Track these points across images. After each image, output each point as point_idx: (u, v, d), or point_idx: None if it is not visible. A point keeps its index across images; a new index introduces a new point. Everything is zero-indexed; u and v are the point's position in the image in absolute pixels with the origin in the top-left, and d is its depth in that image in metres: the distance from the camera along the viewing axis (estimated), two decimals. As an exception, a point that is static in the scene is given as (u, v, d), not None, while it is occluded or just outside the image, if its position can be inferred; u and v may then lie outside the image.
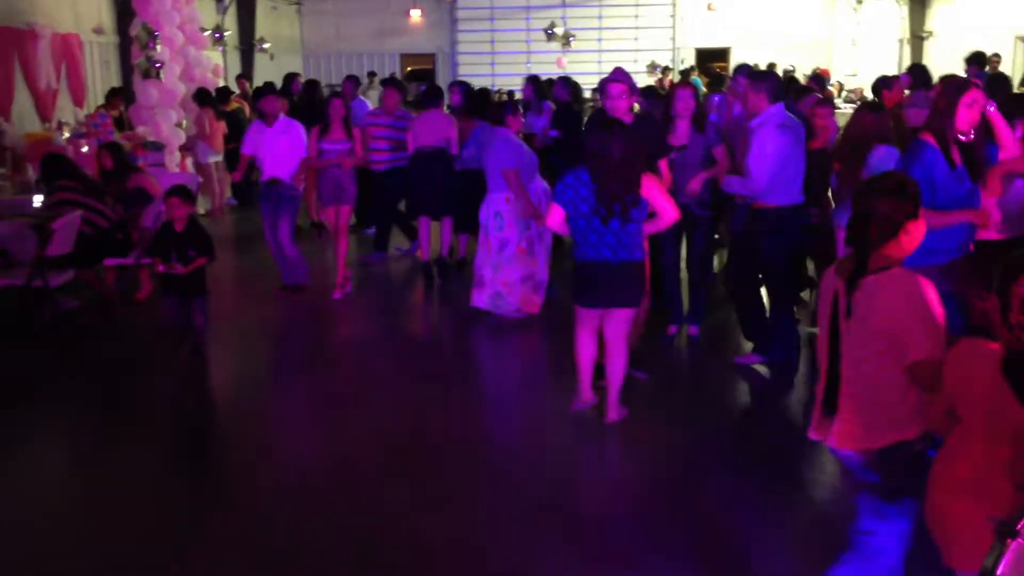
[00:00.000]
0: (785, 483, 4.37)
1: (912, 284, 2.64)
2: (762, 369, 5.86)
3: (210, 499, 4.37)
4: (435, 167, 8.15)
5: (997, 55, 14.16)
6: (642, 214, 4.69)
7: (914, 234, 2.72)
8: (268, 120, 7.71)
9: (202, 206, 11.32)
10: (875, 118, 5.43)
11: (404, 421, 5.21)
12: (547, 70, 22.91)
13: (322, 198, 7.85)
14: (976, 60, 8.98)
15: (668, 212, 4.71)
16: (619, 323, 4.86)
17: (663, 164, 5.61)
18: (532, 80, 10.52)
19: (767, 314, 5.94)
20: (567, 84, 9.61)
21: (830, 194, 6.19)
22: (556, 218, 4.80)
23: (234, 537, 3.94)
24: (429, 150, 8.16)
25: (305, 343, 6.94)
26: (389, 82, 9.35)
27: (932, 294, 2.64)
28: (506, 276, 6.89)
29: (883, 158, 5.12)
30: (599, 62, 24.08)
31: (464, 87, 9.24)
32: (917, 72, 8.83)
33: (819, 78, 11.95)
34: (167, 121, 11.26)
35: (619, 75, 5.32)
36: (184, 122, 11.51)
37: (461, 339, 7.01)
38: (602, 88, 5.72)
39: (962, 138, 4.11)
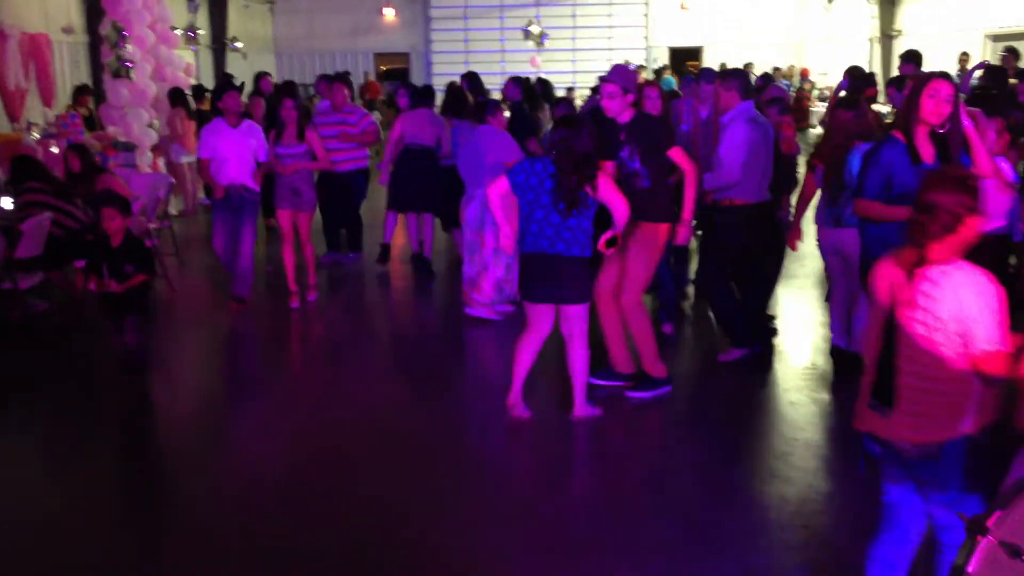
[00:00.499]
0: (763, 479, 4.41)
1: (979, 276, 2.66)
2: (743, 363, 5.92)
3: (180, 498, 4.33)
4: (423, 165, 8.24)
5: (966, 53, 14.34)
6: (588, 211, 4.72)
7: (972, 227, 2.74)
8: (230, 120, 7.24)
9: (175, 207, 11.22)
10: (853, 115, 5.45)
11: (389, 422, 5.19)
12: (521, 69, 22.98)
13: (278, 202, 7.34)
14: (911, 58, 9.18)
15: (619, 209, 4.72)
16: (571, 321, 4.89)
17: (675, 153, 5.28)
18: (516, 80, 10.40)
19: (741, 309, 6.00)
20: (518, 83, 9.35)
21: (794, 198, 6.25)
22: (499, 188, 4.82)
23: (202, 538, 3.92)
24: (418, 148, 8.26)
25: (279, 347, 6.88)
26: (336, 77, 9.27)
27: (998, 287, 2.66)
28: (503, 264, 6.82)
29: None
30: (573, 61, 24.19)
31: (521, 82, 9.49)
32: (855, 73, 8.95)
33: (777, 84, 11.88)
34: (138, 121, 11.16)
35: (612, 74, 5.26)
36: (156, 122, 11.42)
37: (446, 339, 6.97)
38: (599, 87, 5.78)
39: (939, 131, 4.09)
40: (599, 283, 5.31)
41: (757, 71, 16.70)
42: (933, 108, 4.01)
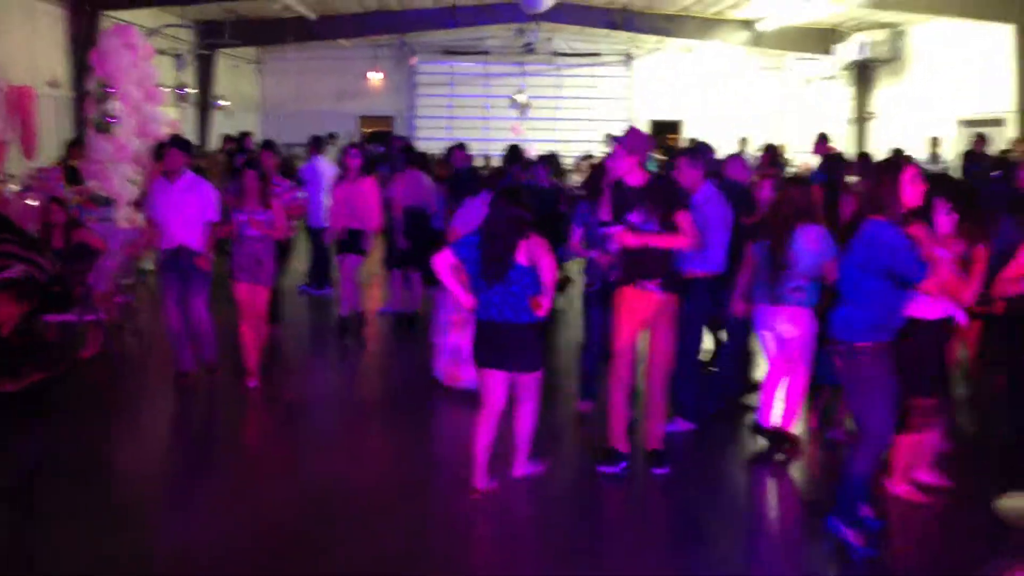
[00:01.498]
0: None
1: None
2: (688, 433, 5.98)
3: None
4: (414, 225, 8.78)
5: (935, 138, 14.68)
6: (523, 279, 4.74)
7: None
8: (170, 177, 6.84)
9: (151, 263, 11.18)
10: (799, 192, 5.52)
11: (352, 485, 5.14)
12: (504, 136, 23.30)
13: (236, 273, 6.88)
14: (823, 139, 10.63)
15: (545, 273, 4.78)
16: (522, 389, 4.96)
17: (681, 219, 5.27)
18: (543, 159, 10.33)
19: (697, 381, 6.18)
20: (462, 150, 9.55)
21: None
22: (444, 259, 4.88)
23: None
24: (410, 209, 8.78)
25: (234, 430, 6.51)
26: (265, 145, 9.66)
27: None
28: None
29: (809, 236, 5.26)
30: (555, 130, 24.53)
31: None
32: (771, 151, 9.29)
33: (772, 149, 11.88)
34: (119, 176, 11.19)
35: (624, 137, 5.32)
36: (137, 178, 11.43)
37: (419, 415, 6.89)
38: None
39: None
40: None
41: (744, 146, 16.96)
42: (914, 192, 4.08)
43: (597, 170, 6.39)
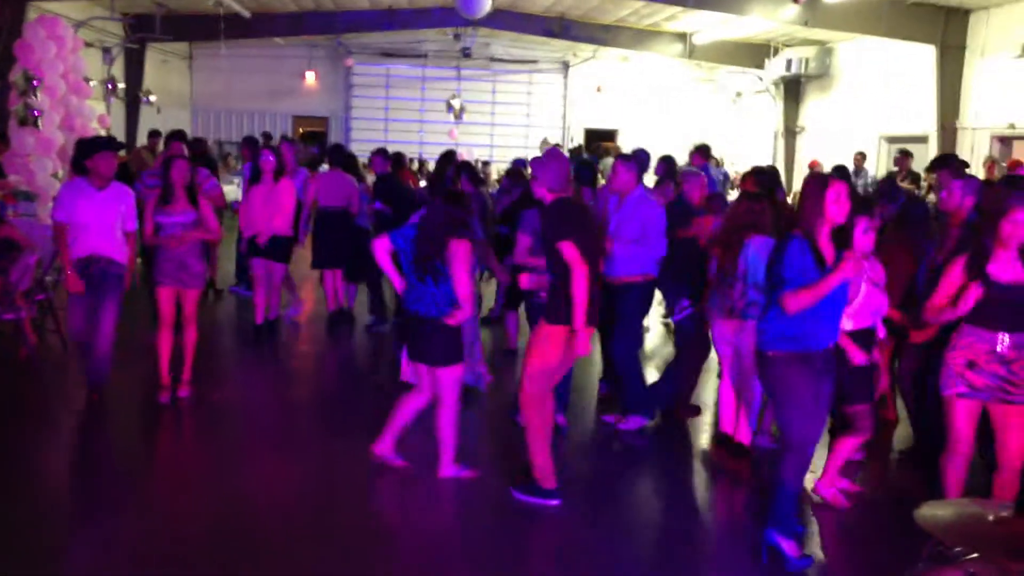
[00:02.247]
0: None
1: None
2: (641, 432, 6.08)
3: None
4: (338, 224, 8.88)
5: (862, 153, 15.09)
6: (446, 280, 4.92)
7: None
8: (99, 183, 6.16)
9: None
10: (748, 206, 5.65)
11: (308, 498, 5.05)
12: (439, 140, 23.26)
13: (159, 278, 6.40)
14: (700, 150, 10.54)
15: (458, 285, 4.88)
16: (439, 383, 5.05)
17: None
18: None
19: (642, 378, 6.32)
20: (386, 156, 9.49)
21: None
22: (383, 244, 5.07)
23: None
24: (333, 209, 8.88)
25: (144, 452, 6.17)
26: (174, 135, 9.37)
27: None
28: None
29: (759, 248, 5.35)
30: (491, 135, 24.60)
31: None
32: (666, 162, 9.61)
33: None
34: (43, 171, 10.86)
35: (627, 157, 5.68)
36: (61, 172, 11.11)
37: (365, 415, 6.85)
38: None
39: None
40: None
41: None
42: (838, 209, 4.12)
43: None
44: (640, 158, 8.11)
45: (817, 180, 4.29)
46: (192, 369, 6.61)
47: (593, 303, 4.72)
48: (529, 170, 7.53)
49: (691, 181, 7.37)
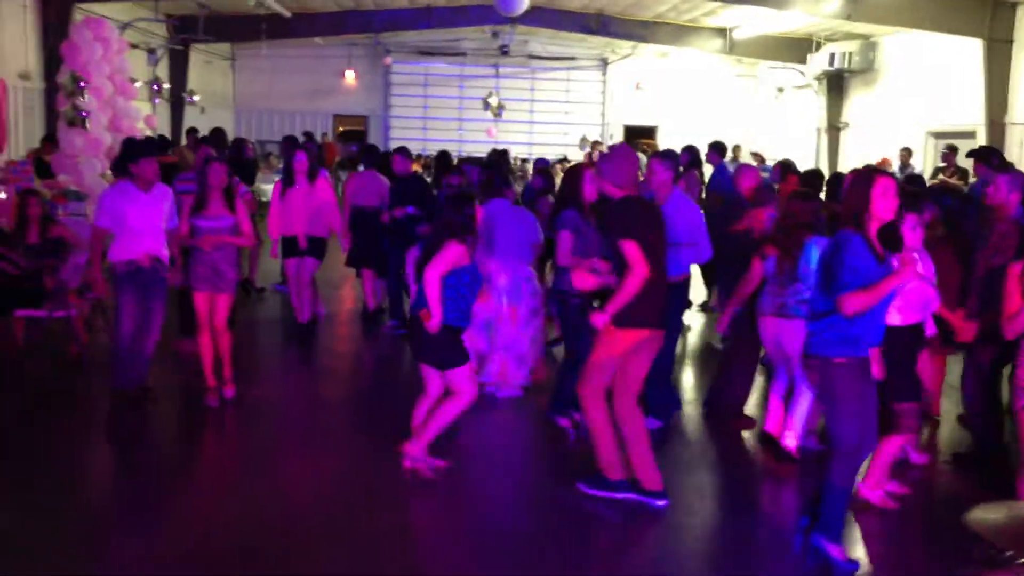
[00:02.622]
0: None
1: None
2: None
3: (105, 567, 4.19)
4: (373, 223, 8.80)
5: (907, 149, 14.85)
6: (448, 279, 4.95)
7: None
8: (143, 186, 6.16)
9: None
10: (805, 206, 5.57)
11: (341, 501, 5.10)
12: (478, 138, 23.32)
13: (194, 282, 6.30)
14: (714, 147, 10.21)
15: (425, 283, 4.94)
16: (452, 383, 5.07)
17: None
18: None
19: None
20: (406, 154, 9.23)
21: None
22: (411, 256, 5.58)
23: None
24: (368, 209, 8.86)
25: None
26: (291, 140, 9.52)
27: None
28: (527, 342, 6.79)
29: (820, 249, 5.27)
30: (530, 133, 24.60)
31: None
32: (690, 152, 9.51)
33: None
34: (90, 170, 11.06)
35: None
36: (109, 172, 11.31)
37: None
38: None
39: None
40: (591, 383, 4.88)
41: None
42: (886, 204, 4.03)
43: (569, 175, 6.28)
44: (677, 157, 8.08)
45: (863, 176, 4.18)
46: (232, 367, 6.52)
47: (660, 304, 4.71)
48: (557, 168, 7.57)
49: (743, 174, 7.26)
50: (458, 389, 5.07)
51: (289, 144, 9.97)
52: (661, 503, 4.83)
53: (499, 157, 9.57)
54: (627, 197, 4.71)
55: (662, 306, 4.77)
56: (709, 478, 5.62)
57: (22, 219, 7.54)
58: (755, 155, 17.59)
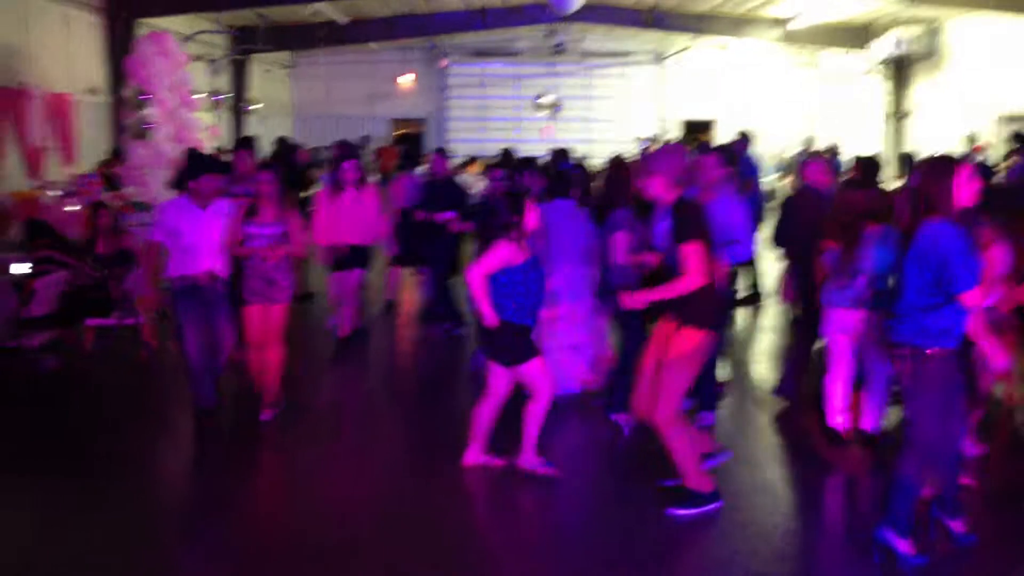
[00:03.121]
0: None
1: None
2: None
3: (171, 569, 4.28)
4: (409, 224, 8.89)
5: (973, 135, 14.43)
6: (498, 278, 4.99)
7: None
8: (201, 202, 6.08)
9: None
10: (863, 195, 5.46)
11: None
12: (536, 136, 23.30)
13: (246, 295, 6.10)
14: (742, 137, 10.31)
15: (468, 280, 5.04)
16: (526, 378, 5.13)
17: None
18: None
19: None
20: (444, 154, 9.33)
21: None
22: None
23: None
24: (410, 210, 8.96)
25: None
26: (241, 144, 8.84)
27: None
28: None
29: (883, 237, 5.17)
30: (587, 130, 24.50)
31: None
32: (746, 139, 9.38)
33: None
34: (156, 182, 11.31)
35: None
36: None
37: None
38: None
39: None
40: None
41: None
42: (969, 191, 3.96)
43: (615, 172, 6.21)
44: (733, 152, 8.05)
45: (943, 164, 4.07)
46: (275, 391, 6.29)
47: (714, 304, 4.68)
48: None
49: (812, 167, 6.88)
50: (533, 385, 5.11)
51: (341, 151, 9.61)
52: (715, 505, 4.77)
53: (558, 157, 9.53)
54: (681, 199, 4.60)
55: (719, 307, 4.78)
56: (769, 471, 5.52)
57: (93, 230, 7.77)
58: (828, 149, 17.09)
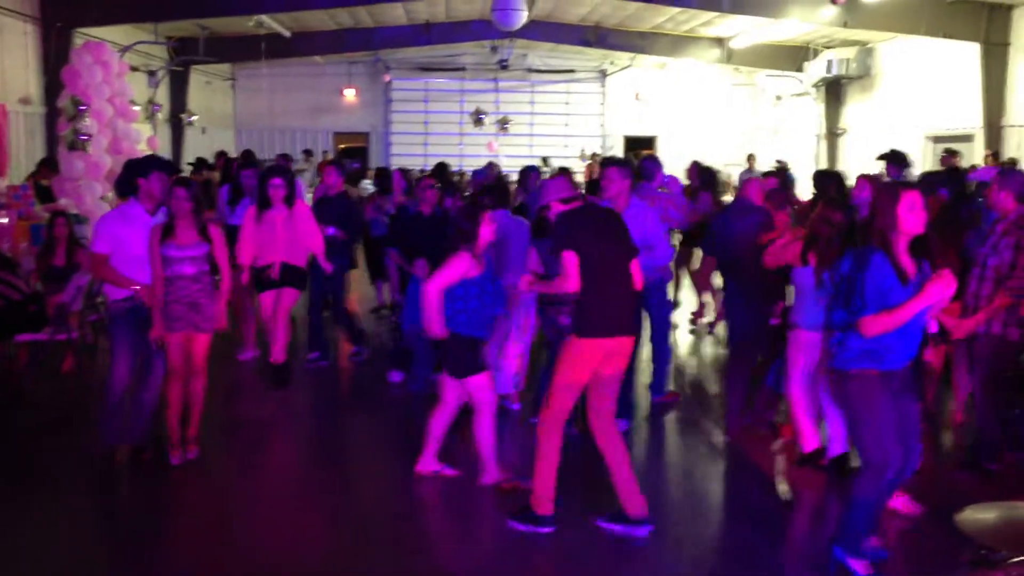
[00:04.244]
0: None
1: None
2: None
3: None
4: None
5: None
6: (454, 290, 5.05)
7: None
8: (150, 206, 5.55)
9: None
10: (843, 215, 5.29)
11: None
12: (479, 152, 23.38)
13: (171, 322, 5.44)
14: (893, 159, 8.89)
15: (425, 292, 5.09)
16: (470, 391, 5.21)
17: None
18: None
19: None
20: (339, 169, 8.96)
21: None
22: None
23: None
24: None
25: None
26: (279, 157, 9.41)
27: None
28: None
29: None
30: (530, 146, 24.66)
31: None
32: (702, 171, 9.65)
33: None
34: (92, 194, 11.12)
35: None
36: (110, 195, 11.37)
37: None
38: None
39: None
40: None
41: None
42: (914, 219, 3.89)
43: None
44: (643, 166, 8.21)
45: (888, 191, 4.02)
46: (199, 425, 5.72)
47: (629, 311, 4.70)
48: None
49: (750, 185, 6.95)
50: (477, 399, 5.15)
51: (246, 159, 8.81)
52: (643, 531, 4.64)
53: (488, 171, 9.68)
54: (570, 210, 4.71)
55: (628, 313, 4.68)
56: (725, 488, 5.60)
57: (50, 239, 7.65)
58: (779, 163, 17.22)
